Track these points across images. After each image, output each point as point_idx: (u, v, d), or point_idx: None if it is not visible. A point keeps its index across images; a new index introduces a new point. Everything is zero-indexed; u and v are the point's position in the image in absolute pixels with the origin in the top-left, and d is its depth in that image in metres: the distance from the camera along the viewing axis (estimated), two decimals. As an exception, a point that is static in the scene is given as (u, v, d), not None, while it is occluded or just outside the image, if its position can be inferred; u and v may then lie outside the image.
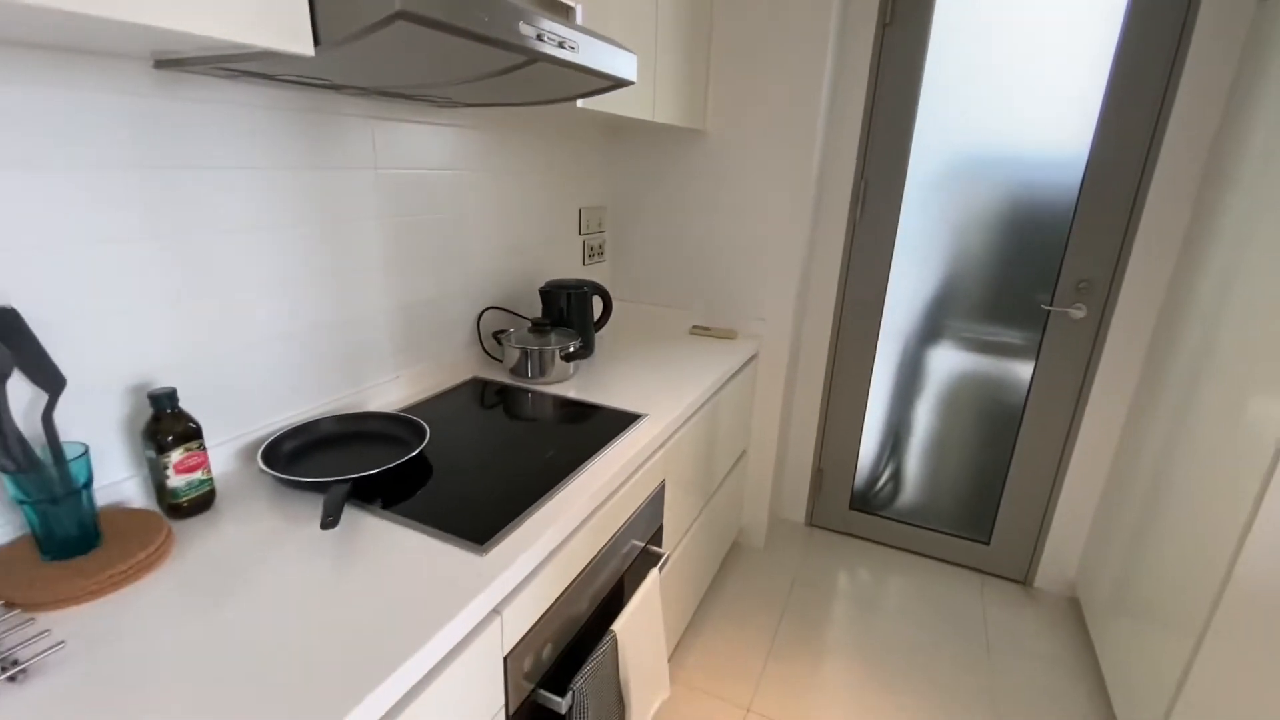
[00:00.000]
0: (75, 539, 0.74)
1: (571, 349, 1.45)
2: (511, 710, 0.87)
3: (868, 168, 1.92)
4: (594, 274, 2.04)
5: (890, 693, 1.59)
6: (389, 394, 1.30)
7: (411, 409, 1.26)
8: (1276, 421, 1.06)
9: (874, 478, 2.20)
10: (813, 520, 2.31)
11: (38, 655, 0.62)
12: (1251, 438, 1.12)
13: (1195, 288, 1.48)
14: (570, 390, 1.40)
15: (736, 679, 1.62)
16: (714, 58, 1.81)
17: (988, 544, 2.06)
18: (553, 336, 1.46)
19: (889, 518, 2.19)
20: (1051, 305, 1.80)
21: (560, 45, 0.86)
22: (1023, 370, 1.89)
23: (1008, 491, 1.99)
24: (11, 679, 0.60)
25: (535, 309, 1.67)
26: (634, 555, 1.22)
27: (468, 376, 1.47)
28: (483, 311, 1.54)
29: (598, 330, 1.66)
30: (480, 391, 1.39)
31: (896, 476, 2.17)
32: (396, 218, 1.25)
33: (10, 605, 0.68)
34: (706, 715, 1.51)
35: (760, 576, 2.03)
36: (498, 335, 1.50)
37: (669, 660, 1.59)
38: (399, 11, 0.62)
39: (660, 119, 1.55)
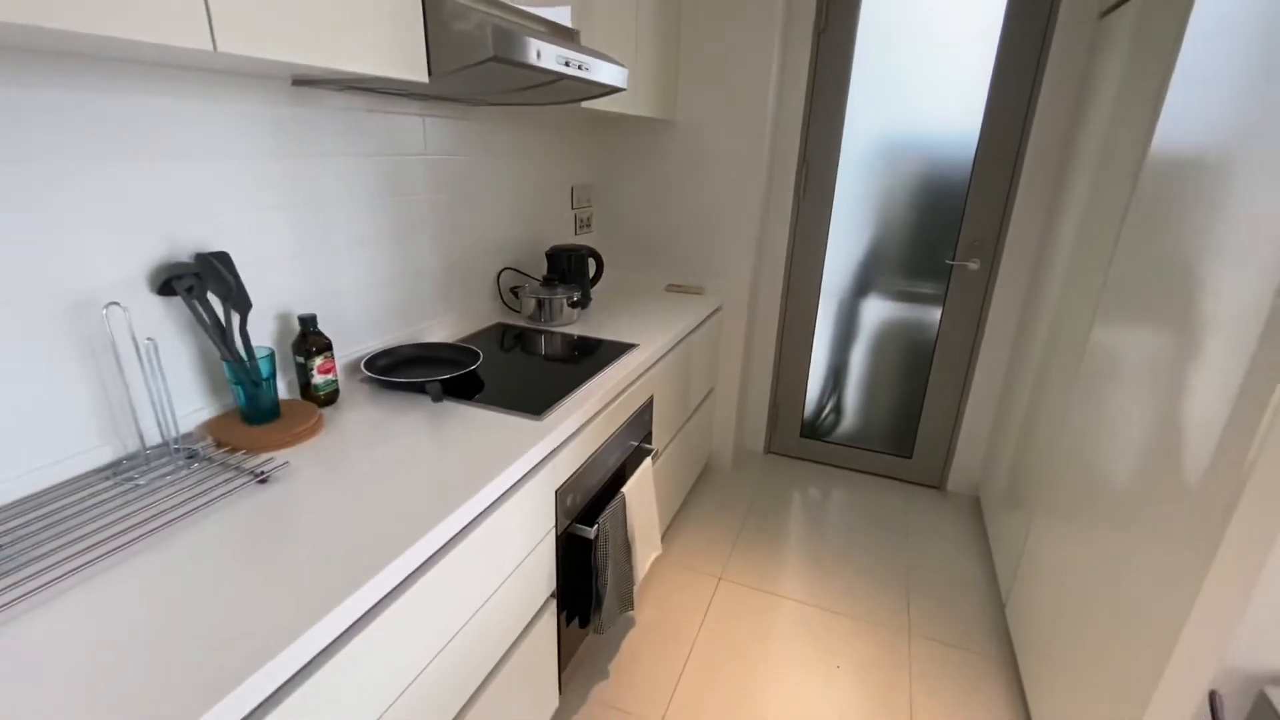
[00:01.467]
0: (266, 411, 1.09)
1: (575, 298, 1.82)
2: (559, 532, 1.26)
3: (808, 151, 2.32)
4: (584, 242, 2.40)
5: (829, 570, 2.04)
6: (435, 334, 1.65)
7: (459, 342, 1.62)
8: (1082, 338, 1.51)
9: (820, 409, 2.65)
10: (770, 448, 2.75)
11: (273, 469, 0.98)
12: (1078, 357, 1.57)
13: (1055, 246, 1.94)
14: (575, 330, 1.78)
15: (710, 559, 2.04)
16: (682, 58, 2.18)
17: (910, 458, 2.53)
18: (560, 289, 1.83)
19: (832, 442, 2.65)
20: (954, 260, 2.25)
21: (579, 68, 1.22)
22: (933, 314, 2.35)
23: (924, 414, 2.46)
24: (262, 481, 0.95)
25: (539, 270, 2.03)
26: (631, 451, 1.61)
27: (493, 322, 1.83)
28: (500, 271, 1.89)
29: (593, 286, 2.03)
30: (504, 332, 1.75)
31: (838, 408, 2.62)
32: (438, 194, 1.59)
33: (235, 450, 1.03)
34: (688, 582, 1.93)
35: (727, 490, 2.46)
36: (514, 289, 1.86)
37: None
38: (493, 56, 0.97)
39: (640, 112, 1.92)
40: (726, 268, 2.36)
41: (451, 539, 0.94)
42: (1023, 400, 2.00)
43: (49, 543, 0.78)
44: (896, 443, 2.55)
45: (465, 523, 0.95)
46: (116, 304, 0.92)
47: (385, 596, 0.81)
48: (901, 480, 2.57)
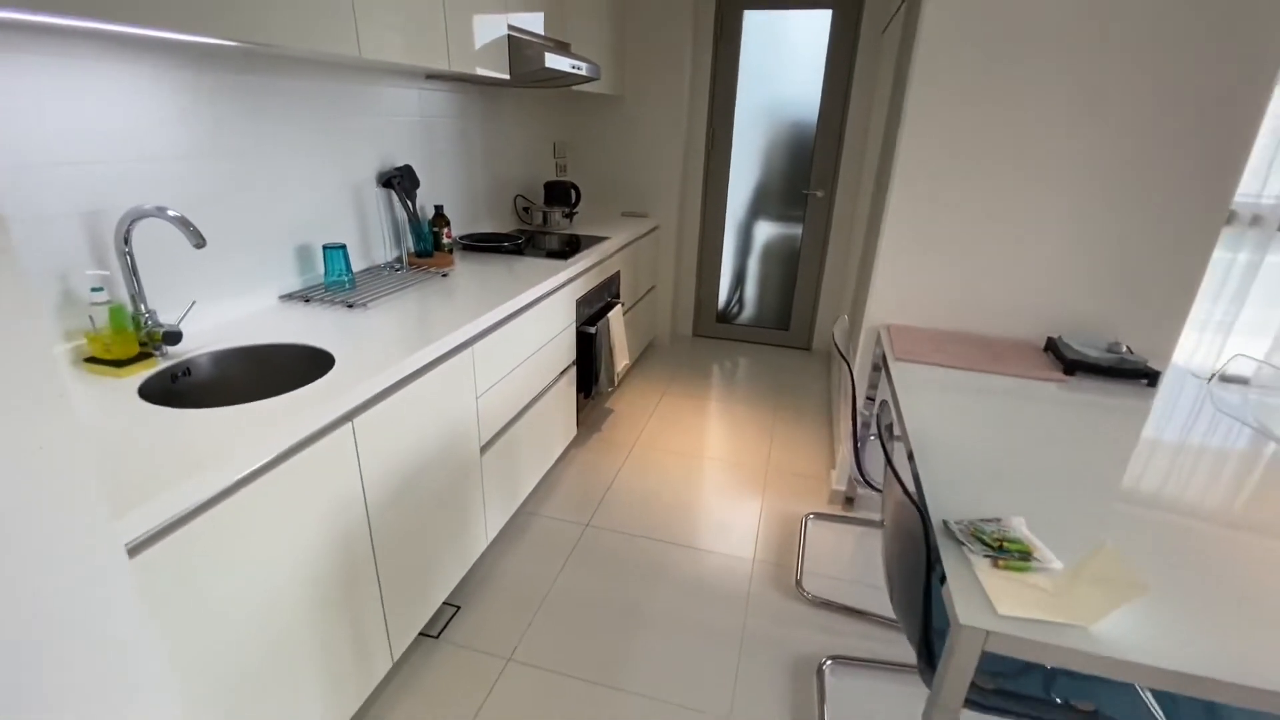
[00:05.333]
0: (427, 251, 2.08)
1: (566, 212, 2.85)
2: (577, 325, 2.31)
3: (714, 117, 3.41)
4: (563, 180, 3.40)
5: (734, 391, 3.20)
6: (485, 229, 2.64)
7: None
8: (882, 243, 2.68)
9: (729, 302, 3.79)
10: (696, 332, 3.89)
11: (445, 274, 1.99)
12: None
13: (865, 180, 3.12)
14: (568, 230, 2.81)
15: (657, 386, 3.16)
16: (627, 55, 3.21)
17: (788, 330, 3.73)
18: (556, 207, 2.85)
19: (738, 324, 3.81)
20: (808, 191, 3.41)
21: (580, 70, 2.24)
22: (798, 229, 3.52)
23: (795, 299, 3.65)
24: (444, 276, 1.96)
25: (538, 197, 3.04)
26: (608, 303, 2.68)
27: (513, 228, 2.83)
28: (515, 196, 2.89)
29: (574, 208, 3.06)
30: (523, 232, 2.76)
31: (741, 300, 3.77)
32: (482, 144, 2.57)
33: (416, 269, 2.02)
34: (643, 395, 3.04)
35: (665, 360, 3.57)
36: (525, 209, 2.87)
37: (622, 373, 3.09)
38: (544, 67, 1.99)
39: (604, 91, 2.94)
40: (661, 199, 3.44)
41: (528, 304, 1.97)
42: (851, 286, 3.19)
43: (378, 286, 1.77)
44: (779, 320, 3.74)
45: (532, 300, 1.98)
46: (377, 188, 1.89)
47: (501, 320, 1.84)
48: (783, 346, 3.78)
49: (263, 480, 0.98)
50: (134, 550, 0.78)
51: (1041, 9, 1.61)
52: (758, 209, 3.55)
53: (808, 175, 3.40)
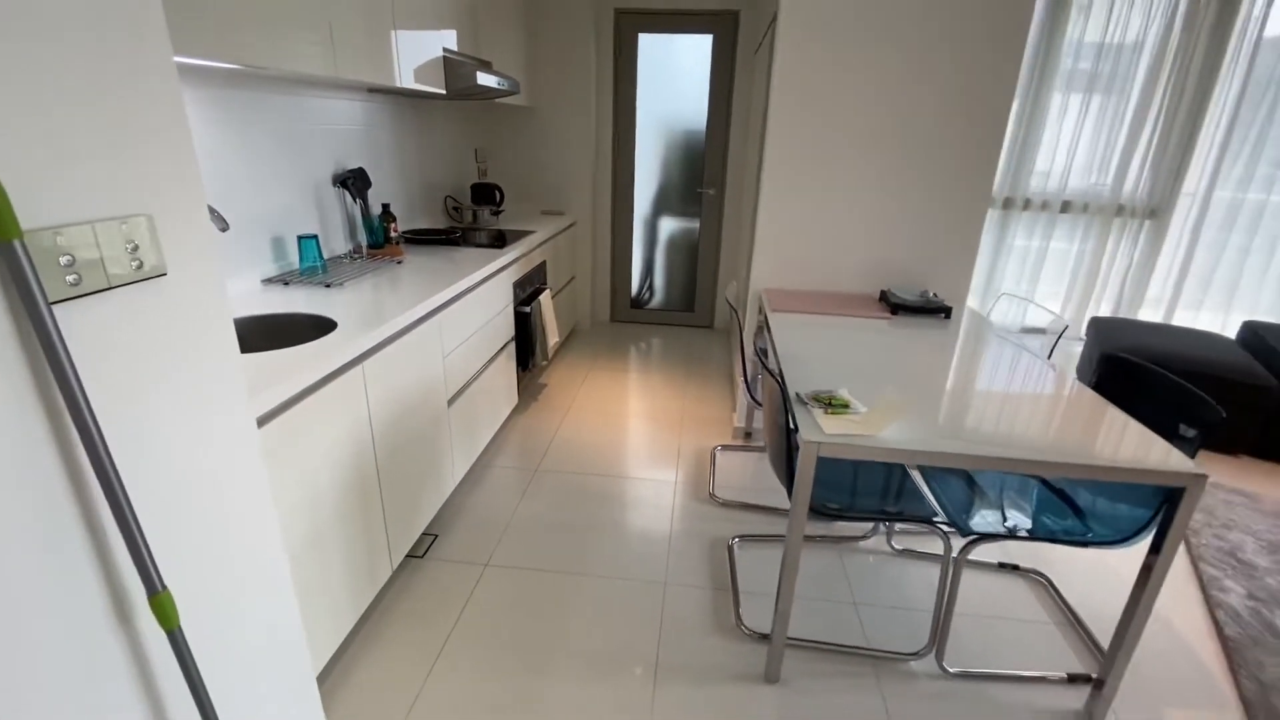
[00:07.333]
0: (379, 244, 2.37)
1: (493, 211, 3.20)
2: (515, 306, 2.68)
3: (618, 127, 3.87)
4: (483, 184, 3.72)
5: (651, 365, 3.67)
6: (421, 226, 2.94)
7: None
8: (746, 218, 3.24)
9: (640, 289, 4.27)
10: (613, 318, 4.33)
11: (397, 262, 2.29)
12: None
13: (747, 177, 3.69)
14: (496, 226, 3.16)
15: (582, 364, 3.57)
16: (537, 69, 3.60)
17: (693, 312, 4.26)
18: (484, 206, 3.19)
19: (650, 309, 4.29)
20: (702, 189, 3.96)
21: (504, 85, 2.61)
22: (696, 223, 4.05)
23: (698, 285, 4.19)
24: (399, 263, 2.27)
25: (465, 197, 3.35)
26: (536, 288, 3.06)
27: (446, 225, 3.14)
28: (445, 197, 3.20)
29: (500, 207, 3.40)
30: (454, 228, 3.08)
31: (651, 288, 4.26)
32: (416, 150, 2.87)
33: (373, 257, 2.31)
34: (572, 371, 3.43)
35: (588, 343, 3.99)
36: (455, 208, 3.19)
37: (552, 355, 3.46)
38: (476, 84, 2.35)
39: (520, 103, 3.31)
40: (576, 199, 3.85)
41: (476, 284, 2.33)
42: (742, 264, 3.76)
43: (346, 271, 2.05)
44: (685, 304, 4.26)
45: (479, 280, 2.34)
46: (333, 187, 2.17)
47: (458, 295, 2.19)
48: (689, 326, 4.30)
49: (313, 397, 1.30)
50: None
51: (859, 38, 2.20)
52: (660, 206, 4.05)
53: (701, 175, 3.94)
